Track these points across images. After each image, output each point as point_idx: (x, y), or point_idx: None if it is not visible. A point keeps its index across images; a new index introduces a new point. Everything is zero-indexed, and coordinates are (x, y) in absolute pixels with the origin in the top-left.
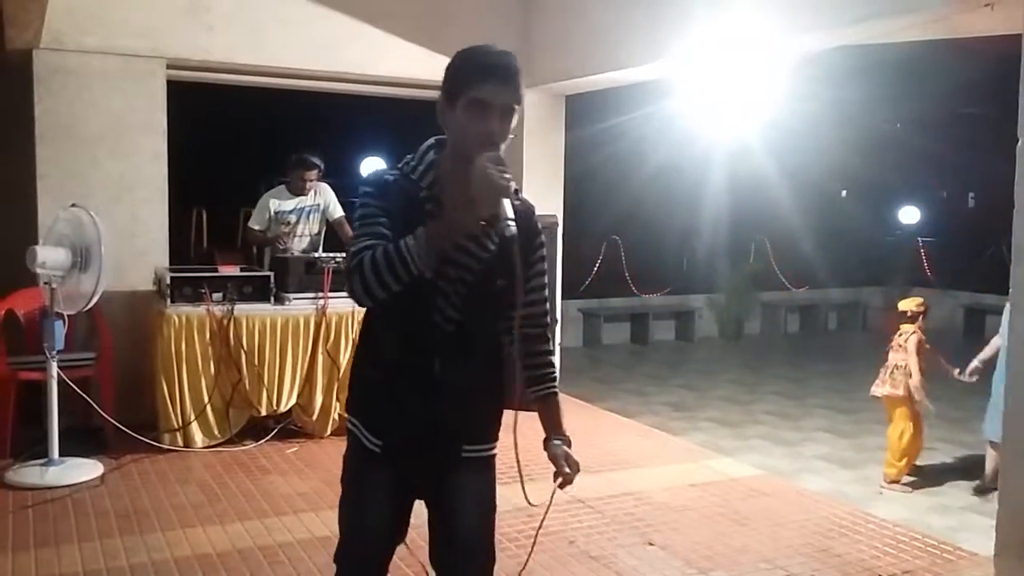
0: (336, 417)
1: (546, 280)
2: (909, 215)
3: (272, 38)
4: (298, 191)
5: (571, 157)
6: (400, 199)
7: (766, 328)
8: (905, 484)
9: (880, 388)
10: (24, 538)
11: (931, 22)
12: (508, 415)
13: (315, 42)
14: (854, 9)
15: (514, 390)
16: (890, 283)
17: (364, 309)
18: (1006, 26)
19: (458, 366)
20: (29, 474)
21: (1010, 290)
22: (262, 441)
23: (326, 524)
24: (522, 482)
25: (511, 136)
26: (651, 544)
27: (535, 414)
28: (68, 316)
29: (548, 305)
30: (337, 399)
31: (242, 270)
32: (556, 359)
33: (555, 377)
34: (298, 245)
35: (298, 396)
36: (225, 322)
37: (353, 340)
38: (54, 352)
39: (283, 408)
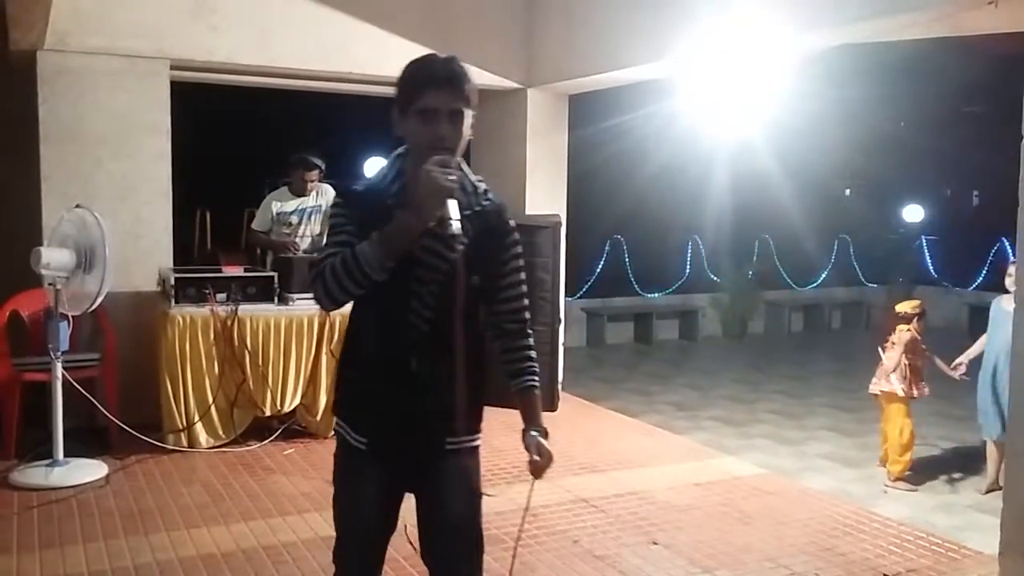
0: None
1: (523, 276)
2: (913, 213)
3: (276, 39)
4: (299, 192)
5: (574, 156)
6: (369, 208)
7: (770, 327)
8: (909, 482)
9: (876, 386)
10: (29, 539)
11: (935, 20)
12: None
13: (319, 43)
14: (857, 7)
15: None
16: (894, 281)
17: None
18: (1010, 24)
19: (434, 363)
20: (34, 475)
21: (1015, 288)
22: (266, 441)
23: (330, 524)
24: (529, 496)
25: (468, 137)
26: (655, 543)
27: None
28: (72, 317)
29: (527, 301)
30: None
31: (246, 270)
32: (560, 357)
33: (535, 371)
34: (300, 245)
35: (302, 396)
36: (229, 322)
37: None
38: (58, 353)
39: (287, 408)
